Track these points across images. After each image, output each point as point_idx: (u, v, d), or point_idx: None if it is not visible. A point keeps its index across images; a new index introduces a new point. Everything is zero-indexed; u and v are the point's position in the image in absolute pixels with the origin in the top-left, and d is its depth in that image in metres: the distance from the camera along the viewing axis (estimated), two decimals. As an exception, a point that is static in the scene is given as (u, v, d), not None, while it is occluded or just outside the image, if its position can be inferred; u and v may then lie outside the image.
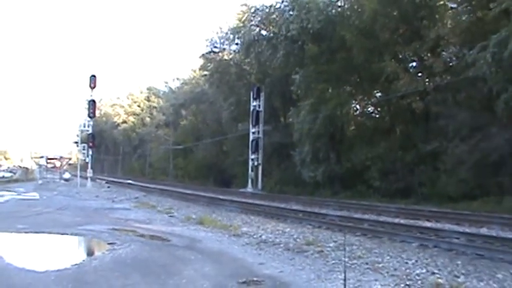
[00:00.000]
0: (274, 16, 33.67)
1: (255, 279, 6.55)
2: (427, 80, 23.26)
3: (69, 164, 58.63)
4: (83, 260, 8.16)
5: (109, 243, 9.64)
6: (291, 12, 29.82)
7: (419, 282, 6.39)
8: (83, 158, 39.38)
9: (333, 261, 7.79)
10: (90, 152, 37.72)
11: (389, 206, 18.76)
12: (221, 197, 24.89)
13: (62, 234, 11.38)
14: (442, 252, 8.44)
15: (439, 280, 6.36)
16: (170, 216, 16.02)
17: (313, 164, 27.15)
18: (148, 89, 78.38)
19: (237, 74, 40.35)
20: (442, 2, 22.76)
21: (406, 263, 7.59)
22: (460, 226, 12.17)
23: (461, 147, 19.16)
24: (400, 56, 25.41)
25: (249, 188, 33.02)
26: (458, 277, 6.61)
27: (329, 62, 27.36)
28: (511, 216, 13.37)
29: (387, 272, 6.99)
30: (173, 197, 25.80)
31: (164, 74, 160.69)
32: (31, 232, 11.53)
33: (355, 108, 31.28)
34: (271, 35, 33.82)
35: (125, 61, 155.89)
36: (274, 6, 33.61)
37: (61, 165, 51.44)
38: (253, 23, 36.34)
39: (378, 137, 26.07)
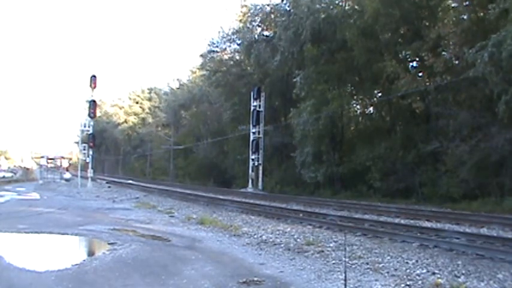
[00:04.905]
0: (273, 16, 33.73)
1: (255, 279, 6.56)
2: (427, 80, 23.25)
3: (70, 164, 58.80)
4: (84, 260, 8.16)
5: (110, 243, 9.66)
6: (291, 11, 29.85)
7: (419, 282, 6.39)
8: (84, 158, 39.40)
9: (334, 261, 7.79)
10: (91, 152, 37.77)
11: (389, 206, 18.77)
12: (221, 197, 24.88)
13: (63, 234, 11.40)
14: (442, 252, 8.43)
15: (440, 280, 6.36)
16: (171, 216, 16.02)
17: (314, 165, 27.15)
18: (150, 89, 78.52)
19: (238, 74, 40.37)
20: (442, 2, 22.76)
21: (407, 263, 7.59)
22: (460, 226, 12.16)
23: (462, 147, 19.13)
24: (401, 56, 25.42)
25: (250, 188, 33.02)
26: (458, 277, 6.60)
27: (329, 62, 27.39)
28: (512, 216, 13.37)
29: (387, 272, 6.99)
30: (173, 197, 25.80)
31: (165, 74, 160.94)
32: (32, 232, 11.55)
33: (355, 109, 31.33)
34: (271, 35, 33.88)
35: (126, 61, 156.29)
36: (274, 6, 33.68)
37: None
38: (253, 23, 36.42)
39: (378, 137, 26.05)
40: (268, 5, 34.43)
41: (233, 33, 40.72)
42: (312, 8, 27.38)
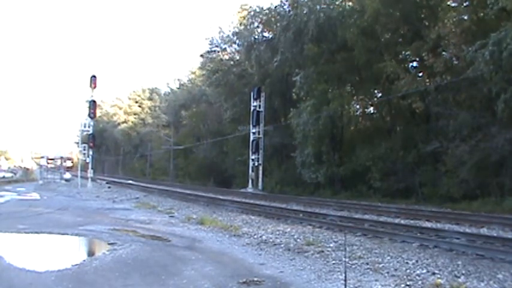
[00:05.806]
0: (273, 18, 33.76)
1: (255, 279, 6.56)
2: (427, 80, 23.25)
3: (72, 165, 58.83)
4: (84, 260, 8.17)
5: (109, 244, 9.66)
6: (290, 13, 29.86)
7: (419, 282, 6.39)
8: (84, 158, 39.40)
9: (334, 262, 7.79)
10: (91, 152, 37.77)
11: (389, 206, 18.77)
12: (221, 197, 24.86)
13: (63, 234, 11.40)
14: (442, 253, 8.43)
15: (440, 280, 6.36)
16: (171, 216, 16.01)
17: (315, 165, 27.14)
18: (150, 89, 78.55)
19: (238, 74, 40.38)
20: (442, 2, 22.77)
21: (407, 263, 7.59)
22: (460, 226, 12.16)
23: (462, 147, 19.13)
24: (401, 56, 25.42)
25: (250, 188, 33.02)
26: (458, 277, 6.60)
27: (329, 62, 27.40)
28: (512, 216, 13.37)
29: (387, 272, 6.99)
30: (174, 197, 25.77)
31: (165, 75, 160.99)
32: (32, 232, 11.55)
33: (355, 109, 31.33)
34: (271, 36, 33.91)
35: (126, 61, 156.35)
36: (274, 8, 33.71)
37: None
38: (253, 25, 36.46)
39: (378, 138, 26.08)
40: (268, 9, 34.47)
41: (233, 35, 40.74)
42: (313, 8, 27.39)
